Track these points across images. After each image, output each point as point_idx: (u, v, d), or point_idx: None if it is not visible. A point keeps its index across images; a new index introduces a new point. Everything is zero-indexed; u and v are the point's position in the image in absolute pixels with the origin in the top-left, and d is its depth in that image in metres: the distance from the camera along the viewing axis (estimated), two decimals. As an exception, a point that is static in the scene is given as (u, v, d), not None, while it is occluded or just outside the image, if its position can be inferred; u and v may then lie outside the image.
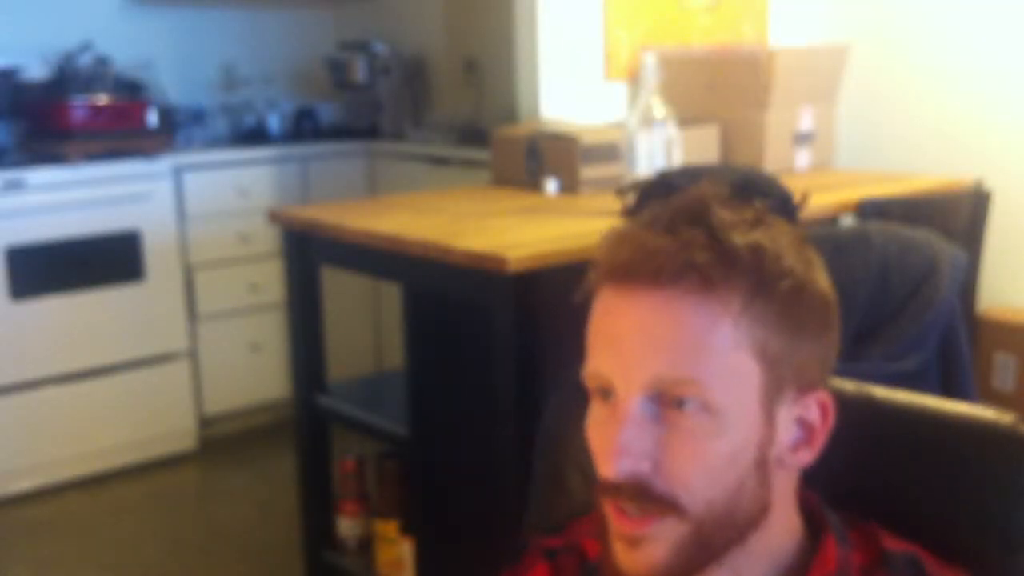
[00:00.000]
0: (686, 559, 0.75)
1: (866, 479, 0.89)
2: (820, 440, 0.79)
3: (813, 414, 0.78)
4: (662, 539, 0.74)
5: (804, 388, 0.77)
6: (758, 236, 0.75)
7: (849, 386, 0.92)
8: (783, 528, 0.80)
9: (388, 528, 2.34)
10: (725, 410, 0.73)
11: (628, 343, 0.74)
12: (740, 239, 0.74)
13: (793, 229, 0.79)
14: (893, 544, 0.81)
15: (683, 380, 0.72)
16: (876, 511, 0.86)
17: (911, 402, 0.91)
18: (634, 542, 0.75)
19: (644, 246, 0.74)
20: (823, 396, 0.79)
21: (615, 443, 0.73)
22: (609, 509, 0.76)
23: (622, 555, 0.76)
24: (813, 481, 0.85)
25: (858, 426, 0.90)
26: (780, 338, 0.74)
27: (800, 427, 0.78)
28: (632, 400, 0.74)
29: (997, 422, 0.86)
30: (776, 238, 0.76)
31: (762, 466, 0.76)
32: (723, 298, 0.72)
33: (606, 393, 0.76)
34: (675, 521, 0.74)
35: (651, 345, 0.73)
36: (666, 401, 0.73)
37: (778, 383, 0.75)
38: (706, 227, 0.74)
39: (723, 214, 0.75)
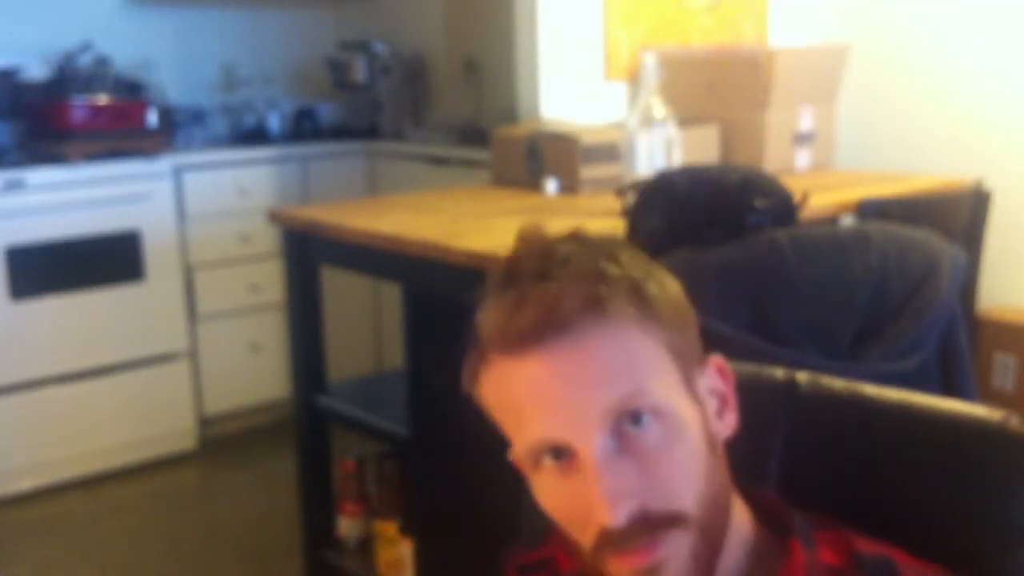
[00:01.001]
0: (703, 562, 0.75)
1: (857, 478, 0.89)
2: (733, 399, 0.82)
3: (716, 380, 0.81)
4: (676, 554, 0.74)
5: (702, 361, 0.80)
6: (602, 247, 0.78)
7: (839, 384, 0.92)
8: (738, 508, 0.81)
9: (388, 528, 2.34)
10: (671, 410, 0.75)
11: (561, 394, 0.73)
12: (588, 254, 0.76)
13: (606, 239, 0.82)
14: (866, 547, 0.80)
15: (631, 395, 0.73)
16: (867, 510, 0.86)
17: (902, 400, 0.91)
18: (652, 571, 0.74)
19: (517, 304, 0.74)
20: (715, 360, 0.82)
21: (602, 493, 0.72)
22: (612, 559, 0.74)
23: None
24: (807, 481, 0.86)
25: (848, 425, 0.90)
26: (672, 325, 0.77)
27: (714, 396, 0.81)
28: (593, 444, 0.73)
29: (987, 419, 0.86)
30: (609, 240, 0.80)
31: (713, 445, 0.78)
32: (619, 312, 0.74)
33: (558, 454, 0.75)
34: (681, 532, 0.73)
35: (587, 384, 0.73)
36: (622, 430, 0.73)
37: (687, 366, 0.78)
38: (560, 259, 0.75)
39: (565, 246, 0.77)
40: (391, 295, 3.35)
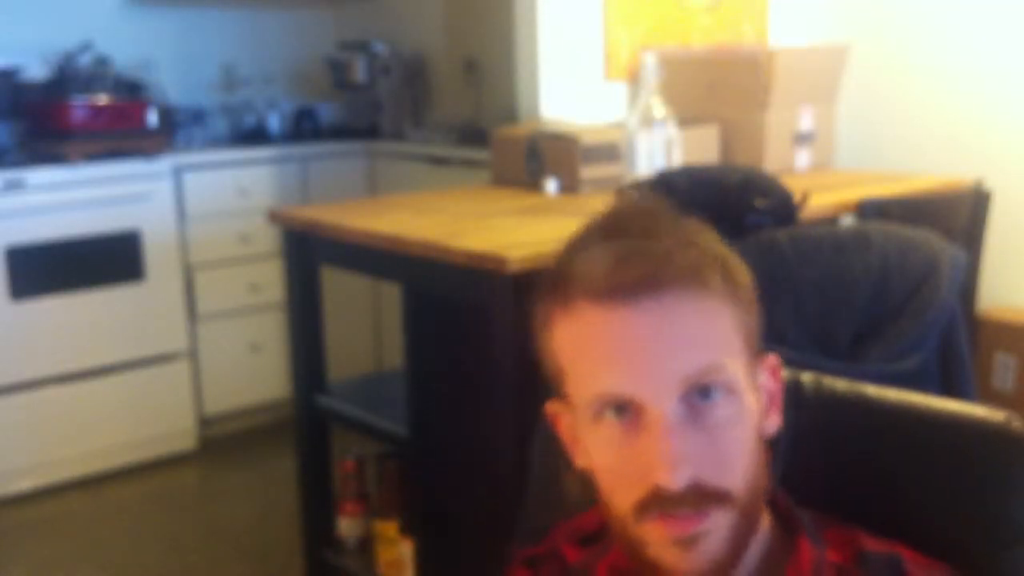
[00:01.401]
0: (739, 543, 0.76)
1: (859, 478, 0.89)
2: (779, 401, 0.83)
3: (768, 378, 0.82)
4: (716, 529, 0.74)
5: (760, 356, 0.81)
6: (701, 225, 0.80)
7: (842, 385, 0.93)
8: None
9: (388, 528, 2.34)
10: (740, 391, 0.76)
11: (646, 353, 0.74)
12: (693, 226, 0.79)
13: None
14: (873, 545, 0.81)
15: (711, 368, 0.74)
16: (870, 510, 0.86)
17: (903, 401, 0.91)
18: (691, 541, 0.74)
19: (625, 256, 0.75)
20: (770, 359, 0.82)
21: (667, 454, 0.72)
22: (654, 522, 0.75)
23: (676, 560, 0.75)
24: (810, 482, 0.86)
25: (851, 425, 0.90)
26: (747, 311, 0.79)
27: (764, 393, 0.81)
28: (666, 406, 0.73)
29: (988, 419, 0.86)
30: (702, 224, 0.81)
31: (760, 437, 0.79)
32: (710, 283, 0.76)
33: (622, 409, 0.75)
34: (725, 510, 0.74)
35: (671, 347, 0.74)
36: (691, 400, 0.74)
37: (751, 355, 0.79)
38: (668, 224, 0.78)
39: (672, 215, 0.80)
40: (391, 295, 3.35)
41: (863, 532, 0.82)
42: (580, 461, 0.83)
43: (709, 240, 0.79)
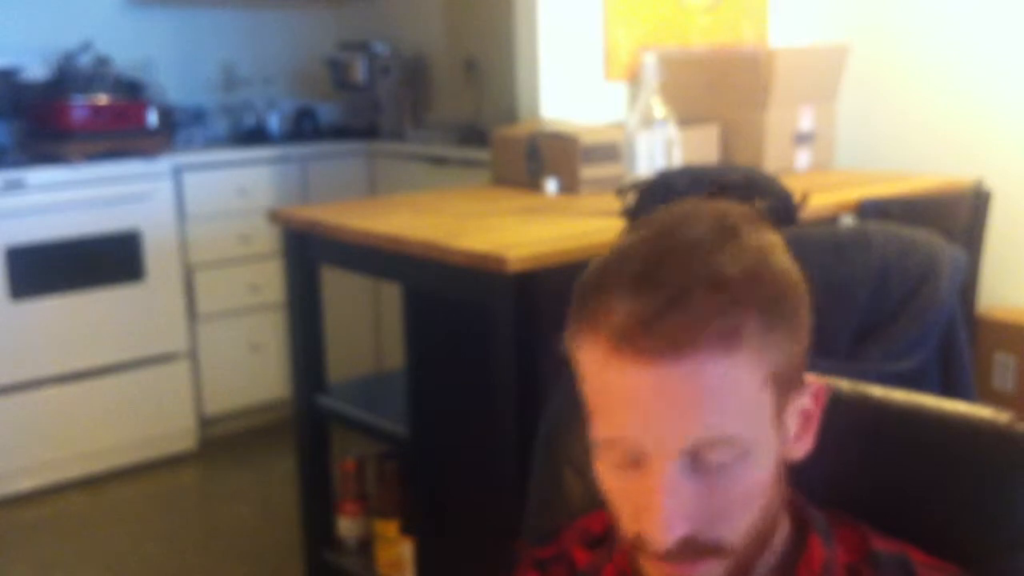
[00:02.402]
0: None
1: (864, 479, 0.89)
2: (815, 423, 0.79)
3: (808, 402, 0.78)
4: (710, 574, 0.74)
5: (800, 382, 0.77)
6: (750, 257, 0.72)
7: (846, 386, 0.92)
8: (778, 522, 0.81)
9: (388, 528, 2.34)
10: (755, 446, 0.72)
11: (656, 411, 0.70)
12: (737, 270, 0.70)
13: (749, 209, 0.77)
14: (882, 544, 0.81)
15: (721, 439, 0.71)
16: (874, 510, 0.86)
17: (908, 401, 0.91)
18: None
19: (653, 317, 0.69)
20: (815, 384, 0.79)
21: (661, 513, 0.70)
22: (648, 559, 0.74)
23: None
24: (811, 481, 0.85)
25: (856, 426, 0.90)
26: (784, 352, 0.73)
27: (799, 417, 0.78)
28: (670, 465, 0.71)
29: (994, 421, 0.86)
30: (757, 238, 0.74)
31: (780, 472, 0.76)
32: (743, 343, 0.70)
33: (630, 452, 0.73)
34: (720, 559, 0.73)
35: (685, 413, 0.70)
36: (700, 455, 0.71)
37: (786, 394, 0.75)
38: (707, 275, 0.70)
39: (715, 255, 0.71)
40: (391, 295, 3.36)
41: (871, 530, 0.82)
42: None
43: (760, 277, 0.71)
